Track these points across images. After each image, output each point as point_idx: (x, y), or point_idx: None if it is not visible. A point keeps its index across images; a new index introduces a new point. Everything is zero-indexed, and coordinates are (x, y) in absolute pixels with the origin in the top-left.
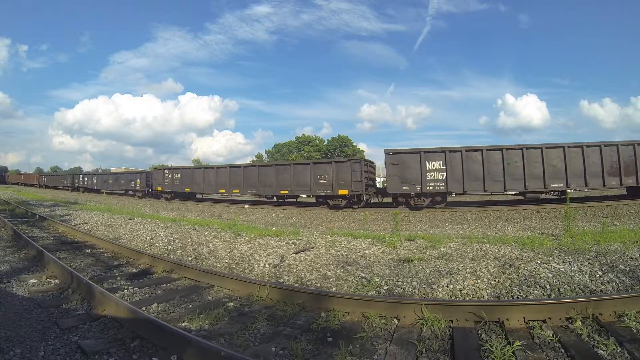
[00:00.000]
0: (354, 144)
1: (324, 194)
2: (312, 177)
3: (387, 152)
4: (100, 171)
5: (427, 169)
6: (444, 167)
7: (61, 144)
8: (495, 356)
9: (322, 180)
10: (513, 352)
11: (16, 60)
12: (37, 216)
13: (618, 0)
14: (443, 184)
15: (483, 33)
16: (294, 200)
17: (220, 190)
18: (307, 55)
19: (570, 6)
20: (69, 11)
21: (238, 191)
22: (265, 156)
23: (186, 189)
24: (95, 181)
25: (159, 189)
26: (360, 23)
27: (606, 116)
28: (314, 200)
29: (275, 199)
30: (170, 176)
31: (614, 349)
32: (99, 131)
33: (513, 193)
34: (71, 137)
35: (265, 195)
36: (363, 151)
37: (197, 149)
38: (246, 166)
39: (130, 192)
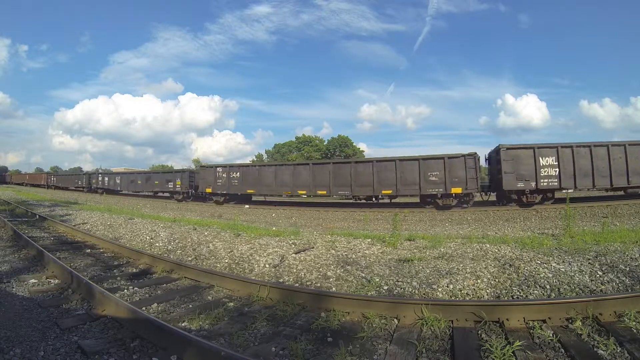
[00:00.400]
0: (354, 144)
1: (434, 192)
2: (421, 174)
3: (502, 147)
4: (100, 171)
5: (541, 165)
6: (556, 163)
7: (61, 144)
8: (495, 356)
9: (433, 178)
10: (513, 352)
11: (16, 60)
12: (37, 216)
13: (618, 0)
14: (556, 180)
15: (483, 33)
16: (383, 200)
17: (299, 192)
18: (307, 55)
19: (570, 6)
20: (69, 11)
21: (325, 192)
22: (265, 156)
23: (249, 190)
24: (118, 181)
25: (209, 190)
26: (360, 23)
27: (606, 116)
28: (418, 201)
29: (374, 199)
30: (225, 175)
31: (614, 349)
32: (99, 131)
33: (613, 188)
34: (71, 137)
35: (363, 196)
36: (363, 151)
37: (197, 149)
38: (336, 162)
39: (166, 195)
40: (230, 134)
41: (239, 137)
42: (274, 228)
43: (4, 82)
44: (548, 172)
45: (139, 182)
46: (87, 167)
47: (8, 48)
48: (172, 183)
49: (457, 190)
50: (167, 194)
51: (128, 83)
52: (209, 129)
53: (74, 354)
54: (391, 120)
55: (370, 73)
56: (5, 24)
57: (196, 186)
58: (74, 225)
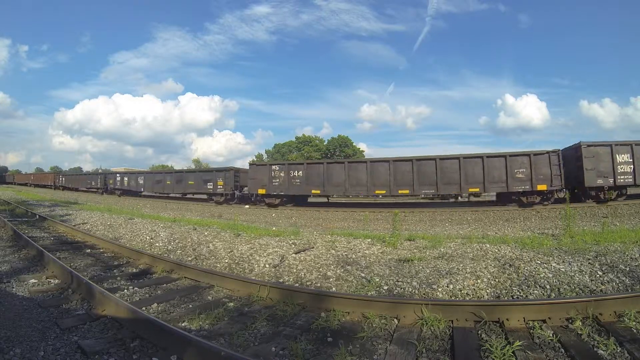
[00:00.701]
0: (354, 144)
1: (521, 190)
2: (508, 171)
3: (582, 144)
4: (100, 170)
5: (618, 162)
6: (631, 160)
7: (61, 144)
8: (495, 356)
9: (519, 175)
10: (513, 352)
11: (16, 60)
12: (37, 216)
13: (618, 0)
14: (631, 176)
15: (483, 33)
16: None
17: (377, 192)
18: (307, 55)
19: (570, 6)
20: (69, 11)
21: (407, 191)
22: (265, 156)
23: (314, 191)
24: (141, 182)
25: (262, 191)
26: (360, 23)
27: (606, 116)
28: (494, 199)
29: (459, 198)
30: (283, 174)
31: (614, 349)
32: (99, 131)
33: None
34: (71, 137)
35: (449, 194)
36: (363, 151)
37: (197, 149)
38: (419, 159)
39: (202, 197)
40: (230, 134)
41: (239, 137)
42: (274, 228)
43: (4, 82)
44: (624, 169)
45: (168, 182)
46: (87, 167)
47: (8, 48)
48: (211, 183)
49: (542, 187)
50: (203, 196)
51: (128, 83)
52: (209, 129)
53: (74, 354)
54: (391, 120)
55: (370, 73)
56: (5, 24)
57: (241, 187)
58: (74, 225)
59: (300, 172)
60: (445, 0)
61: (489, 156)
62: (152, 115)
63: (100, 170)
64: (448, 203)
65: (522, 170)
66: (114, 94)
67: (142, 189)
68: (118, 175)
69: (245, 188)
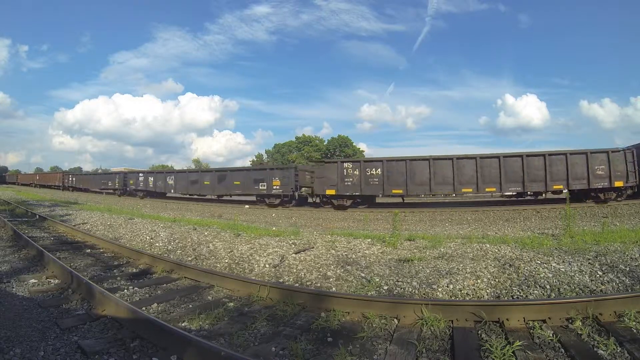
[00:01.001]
0: (354, 144)
1: (600, 186)
2: (589, 167)
3: None
4: (100, 171)
5: None
6: None
7: (61, 144)
8: (495, 356)
9: (599, 172)
10: (513, 352)
11: (16, 60)
12: (37, 216)
13: (618, 0)
14: None
15: (483, 33)
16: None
17: (463, 190)
18: (307, 55)
19: (570, 6)
20: (69, 11)
21: (494, 189)
22: (265, 156)
23: (394, 191)
24: (171, 182)
25: (332, 192)
26: (360, 23)
27: (606, 116)
28: (557, 196)
29: (542, 195)
30: (357, 172)
31: (614, 349)
32: (99, 131)
33: None
34: (71, 137)
35: (535, 191)
36: (363, 151)
37: (197, 149)
38: (506, 156)
39: (252, 198)
40: (230, 134)
41: (239, 137)
42: (274, 228)
43: (4, 82)
44: None
45: (206, 182)
46: (87, 167)
47: (8, 48)
48: (265, 183)
49: (619, 183)
50: (251, 198)
51: (128, 83)
52: (209, 129)
53: (74, 354)
54: (391, 120)
55: (370, 73)
56: (5, 24)
57: (297, 186)
58: (74, 225)
59: (379, 170)
60: (445, 0)
61: (572, 153)
62: (152, 115)
63: (100, 170)
64: (447, 203)
65: (602, 167)
66: (114, 94)
67: (171, 190)
68: (141, 174)
69: (304, 189)
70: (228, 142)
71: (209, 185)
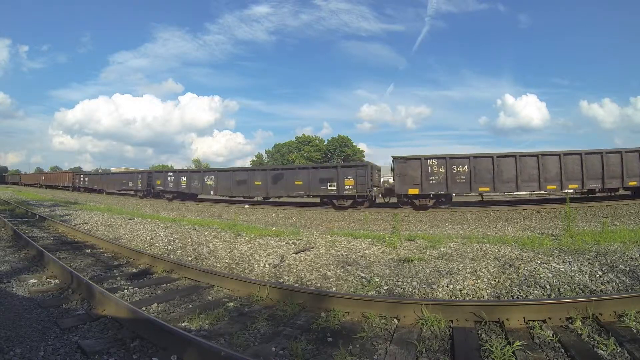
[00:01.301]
0: (354, 144)
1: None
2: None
3: None
4: (101, 170)
5: None
6: None
7: (61, 144)
8: (495, 356)
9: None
10: (513, 352)
11: (16, 60)
12: (37, 216)
13: (618, 0)
14: None
15: (483, 33)
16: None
17: (548, 187)
18: (307, 55)
19: (570, 6)
20: (69, 11)
21: (576, 186)
22: (265, 156)
23: (481, 188)
24: (210, 182)
25: (414, 191)
26: (360, 23)
27: (606, 116)
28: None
29: (619, 191)
30: (443, 170)
31: (614, 349)
32: (99, 131)
33: None
34: (71, 137)
35: (611, 187)
36: (363, 151)
37: (197, 149)
38: (588, 153)
39: (315, 200)
40: (230, 134)
41: (239, 137)
42: (274, 228)
43: (4, 82)
44: None
45: (257, 182)
46: (87, 167)
47: (8, 48)
48: (334, 183)
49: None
50: (314, 199)
51: (128, 83)
52: (209, 129)
53: (74, 354)
54: (391, 120)
55: (370, 73)
56: (5, 24)
57: (370, 185)
58: (74, 225)
59: (465, 167)
60: (444, 0)
61: (627, 151)
62: (152, 115)
63: (100, 170)
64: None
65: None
66: (114, 94)
67: (210, 192)
68: (171, 174)
69: (376, 188)
70: (228, 142)
71: (260, 186)
